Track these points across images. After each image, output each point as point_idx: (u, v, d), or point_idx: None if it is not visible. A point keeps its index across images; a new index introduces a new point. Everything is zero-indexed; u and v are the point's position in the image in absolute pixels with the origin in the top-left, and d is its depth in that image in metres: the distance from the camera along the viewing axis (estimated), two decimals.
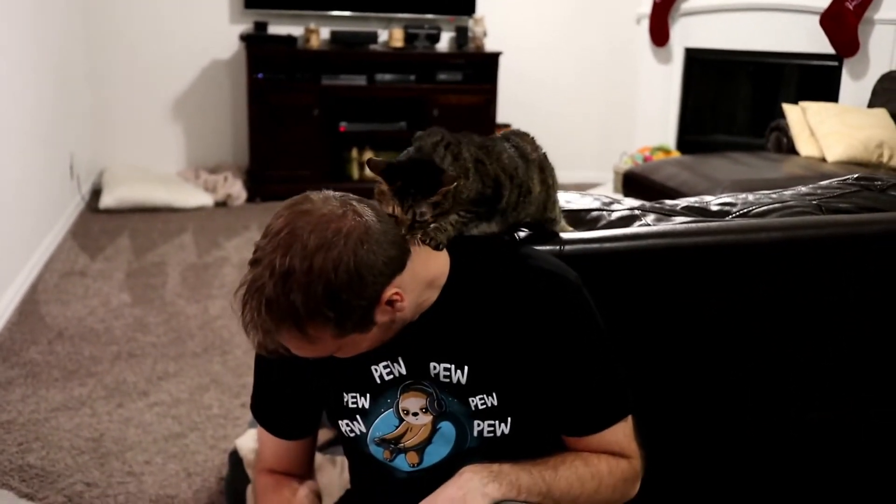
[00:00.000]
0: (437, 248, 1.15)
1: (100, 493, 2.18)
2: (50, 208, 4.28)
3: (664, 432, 1.42)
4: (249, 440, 2.05)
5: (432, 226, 1.14)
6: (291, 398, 1.31)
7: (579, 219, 1.49)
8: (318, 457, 1.89)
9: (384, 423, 1.25)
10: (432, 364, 1.20)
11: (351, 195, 1.12)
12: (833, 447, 1.59)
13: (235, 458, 2.07)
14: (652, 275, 1.43)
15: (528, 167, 1.26)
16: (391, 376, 1.22)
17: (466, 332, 1.19)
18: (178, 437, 2.45)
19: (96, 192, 5.22)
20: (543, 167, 1.31)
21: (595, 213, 1.50)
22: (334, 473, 1.85)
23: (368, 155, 5.47)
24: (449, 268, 1.20)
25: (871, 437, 1.60)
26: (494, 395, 1.20)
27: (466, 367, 1.19)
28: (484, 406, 1.20)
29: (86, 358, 2.95)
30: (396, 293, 1.10)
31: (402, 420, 1.24)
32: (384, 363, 1.22)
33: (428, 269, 1.17)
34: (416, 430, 1.24)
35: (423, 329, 1.19)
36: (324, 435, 1.96)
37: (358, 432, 1.27)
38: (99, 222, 4.70)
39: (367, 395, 1.24)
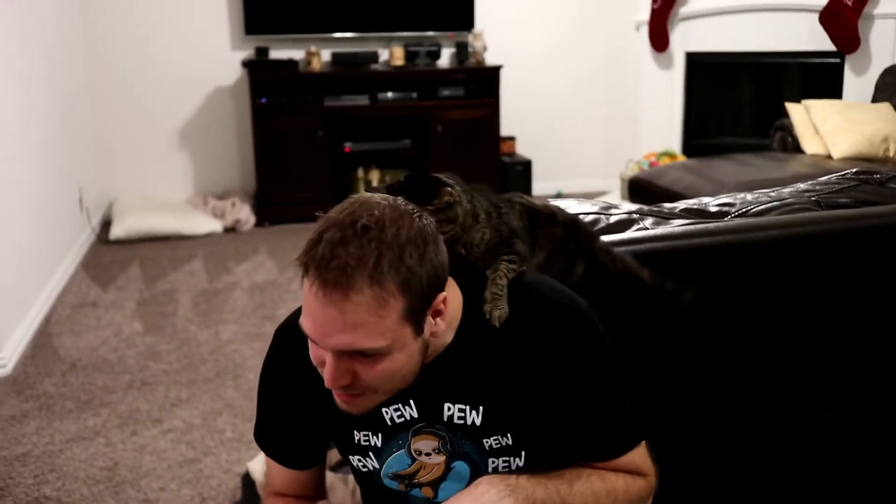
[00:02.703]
0: (501, 320, 1.15)
1: None
2: (61, 242, 4.32)
3: (665, 433, 1.41)
4: (261, 462, 2.05)
5: (491, 295, 1.15)
6: (298, 430, 1.28)
7: None
8: (330, 476, 1.89)
9: (397, 461, 1.23)
10: (447, 405, 1.18)
11: None
12: (837, 446, 1.57)
13: (248, 480, 2.07)
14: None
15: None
16: (402, 419, 1.20)
17: (481, 372, 1.17)
18: (192, 462, 2.46)
19: (106, 224, 5.26)
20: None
21: (592, 217, 1.50)
22: (346, 493, 1.84)
23: (374, 174, 5.49)
24: (462, 308, 1.18)
25: (874, 435, 1.58)
26: (509, 435, 1.18)
27: (481, 408, 1.17)
28: (498, 445, 1.19)
29: (99, 388, 2.97)
30: (445, 299, 1.09)
31: (414, 459, 1.22)
32: (394, 406, 1.19)
33: (451, 306, 1.14)
34: (430, 468, 1.22)
35: (437, 371, 1.17)
36: (335, 455, 1.96)
37: (371, 468, 1.25)
38: (109, 253, 4.74)
39: (379, 434, 1.22)
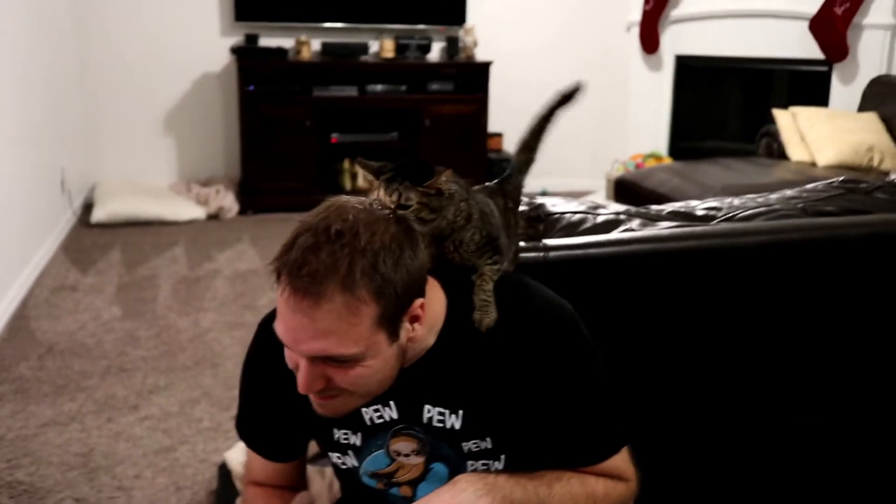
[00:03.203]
0: (489, 327, 1.14)
1: None
2: (41, 223, 4.27)
3: (650, 437, 1.41)
4: (238, 453, 2.04)
5: (479, 302, 1.14)
6: (279, 423, 1.28)
7: (564, 222, 1.48)
8: (307, 468, 1.88)
9: (375, 461, 1.23)
10: (427, 407, 1.17)
11: None
12: (822, 450, 1.58)
13: (224, 470, 2.06)
14: (637, 280, 1.42)
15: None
16: (381, 420, 1.20)
17: (462, 376, 1.16)
18: (168, 450, 2.44)
19: (88, 207, 5.20)
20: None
21: (579, 217, 1.49)
22: (323, 485, 1.83)
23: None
24: (445, 310, 1.16)
25: (859, 439, 1.59)
26: (489, 439, 1.18)
27: (461, 412, 1.17)
28: (477, 449, 1.19)
29: (76, 373, 2.94)
30: (423, 304, 1.08)
31: (393, 459, 1.22)
32: (374, 406, 1.19)
33: (433, 308, 1.14)
34: (409, 469, 1.22)
35: (418, 373, 1.16)
36: (313, 447, 1.95)
37: (350, 466, 1.25)
38: (90, 237, 4.69)
39: (359, 433, 1.22)
